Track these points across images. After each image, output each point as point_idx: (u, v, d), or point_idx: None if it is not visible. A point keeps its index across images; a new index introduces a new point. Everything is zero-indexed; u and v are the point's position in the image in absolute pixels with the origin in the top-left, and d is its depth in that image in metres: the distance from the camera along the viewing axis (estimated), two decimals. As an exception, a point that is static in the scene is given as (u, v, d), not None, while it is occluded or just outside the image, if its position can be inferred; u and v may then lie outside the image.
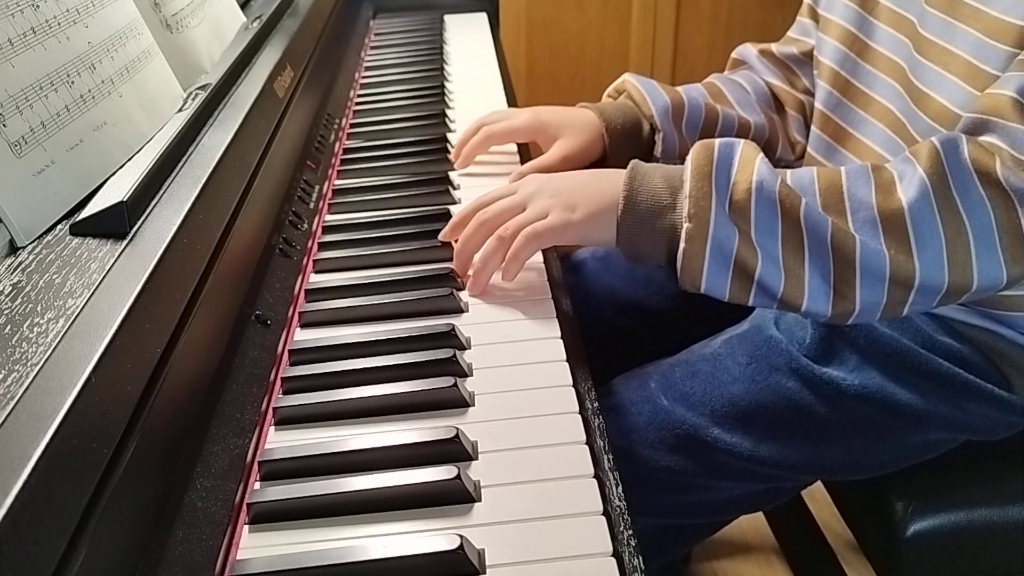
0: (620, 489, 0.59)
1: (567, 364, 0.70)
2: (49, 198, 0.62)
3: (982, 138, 0.73)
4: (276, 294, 0.76)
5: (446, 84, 1.29)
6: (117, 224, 0.61)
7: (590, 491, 0.57)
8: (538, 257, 0.83)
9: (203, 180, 0.69)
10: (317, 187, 0.97)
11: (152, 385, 0.53)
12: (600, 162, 1.00)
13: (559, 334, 0.73)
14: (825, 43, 0.97)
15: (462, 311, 0.77)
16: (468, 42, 1.52)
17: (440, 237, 0.85)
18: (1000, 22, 0.75)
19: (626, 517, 0.56)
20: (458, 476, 0.57)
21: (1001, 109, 0.72)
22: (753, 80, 1.08)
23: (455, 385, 0.66)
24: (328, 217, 0.95)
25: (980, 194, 0.71)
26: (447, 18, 1.64)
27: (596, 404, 0.67)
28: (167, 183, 0.68)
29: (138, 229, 0.62)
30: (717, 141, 0.76)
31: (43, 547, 0.40)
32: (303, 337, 0.75)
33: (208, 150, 0.74)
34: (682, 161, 0.77)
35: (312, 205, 0.94)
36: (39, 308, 0.52)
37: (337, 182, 1.02)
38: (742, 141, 0.77)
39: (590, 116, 0.99)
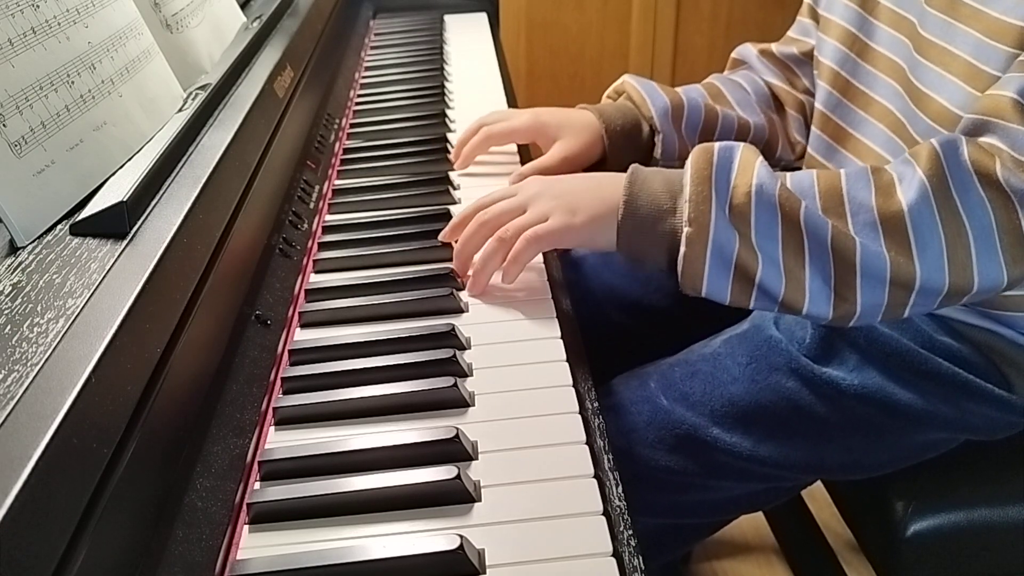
0: (620, 489, 0.59)
1: (567, 364, 0.70)
2: (49, 198, 0.62)
3: (982, 139, 0.73)
4: (276, 294, 0.76)
5: (446, 84, 1.29)
6: (117, 224, 0.61)
7: (590, 491, 0.57)
8: (538, 257, 0.83)
9: (203, 180, 0.69)
10: (317, 187, 0.97)
11: (152, 385, 0.53)
12: (600, 163, 1.00)
13: (559, 334, 0.73)
14: (825, 43, 0.97)
15: (462, 311, 0.77)
16: (468, 42, 1.52)
17: (440, 238, 0.85)
18: (1000, 23, 0.75)
19: (626, 517, 0.56)
20: (458, 476, 0.57)
21: (1001, 110, 0.72)
22: (753, 80, 1.08)
23: (455, 385, 0.66)
24: (328, 217, 0.95)
25: (980, 195, 0.71)
26: (447, 18, 1.64)
27: (596, 404, 0.67)
28: (167, 183, 0.68)
29: (138, 229, 0.62)
30: (716, 145, 0.76)
31: (43, 547, 0.40)
32: (303, 337, 0.75)
33: (208, 150, 0.74)
34: (682, 162, 0.77)
35: (312, 205, 0.94)
36: (39, 308, 0.52)
37: (337, 182, 1.02)
38: (741, 145, 0.77)
39: (590, 117, 0.99)
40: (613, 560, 0.52)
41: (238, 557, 0.54)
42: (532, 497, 0.57)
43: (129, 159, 0.70)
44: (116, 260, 0.57)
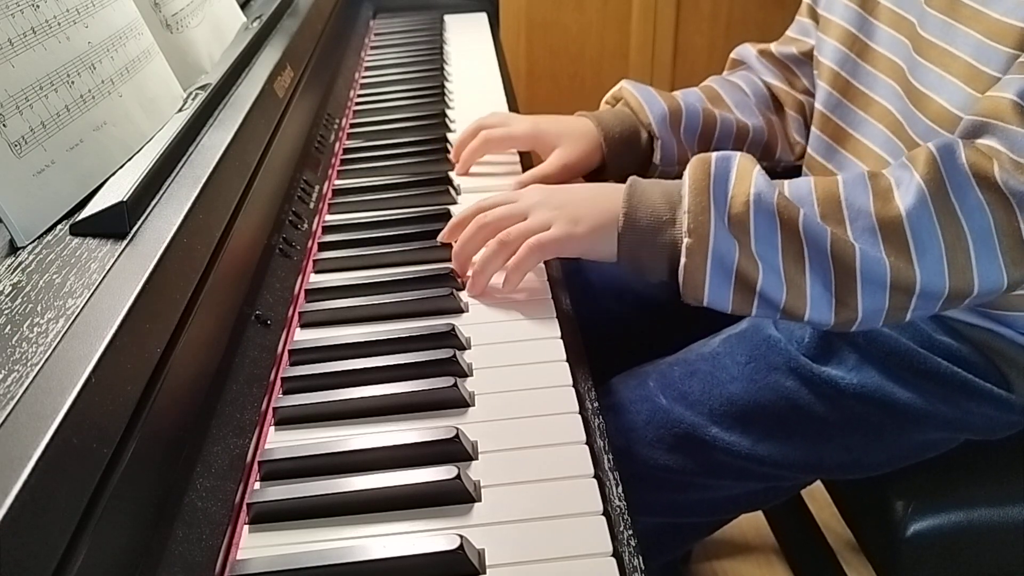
0: (620, 489, 0.59)
1: (567, 364, 0.70)
2: (49, 198, 0.62)
3: (981, 141, 0.73)
4: (276, 294, 0.76)
5: (446, 84, 1.29)
6: (117, 224, 0.61)
7: (590, 491, 0.57)
8: (537, 259, 0.83)
9: (203, 180, 0.69)
10: (317, 187, 0.97)
11: (152, 385, 0.53)
12: (599, 170, 1.00)
13: (559, 334, 0.73)
14: (825, 43, 0.97)
15: (462, 311, 0.78)
16: (468, 42, 1.52)
17: (439, 238, 0.85)
18: (1001, 24, 0.75)
19: (626, 517, 0.56)
20: (458, 476, 0.57)
21: (1001, 112, 0.72)
22: (752, 81, 1.08)
23: (455, 385, 0.66)
24: (328, 217, 0.95)
25: (978, 198, 0.71)
26: (447, 18, 1.64)
27: (596, 404, 0.67)
28: (167, 183, 0.68)
29: (138, 229, 0.62)
30: (714, 155, 0.76)
31: (43, 547, 0.40)
32: (303, 337, 0.75)
33: (208, 150, 0.74)
34: (681, 168, 0.77)
35: (312, 205, 0.94)
36: (39, 308, 0.52)
37: (337, 182, 1.02)
38: (738, 154, 0.77)
39: (588, 125, 0.99)
40: (613, 560, 0.52)
41: (238, 557, 0.54)
42: (532, 497, 0.57)
43: (129, 159, 0.70)
44: (116, 260, 0.57)
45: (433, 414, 0.65)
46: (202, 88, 0.83)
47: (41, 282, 0.55)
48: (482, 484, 0.59)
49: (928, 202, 0.71)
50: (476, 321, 0.76)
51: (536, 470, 0.59)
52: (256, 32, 1.01)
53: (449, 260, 0.82)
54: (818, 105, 0.98)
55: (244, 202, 0.75)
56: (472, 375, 0.69)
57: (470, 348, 0.73)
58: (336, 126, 1.14)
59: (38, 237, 0.60)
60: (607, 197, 0.78)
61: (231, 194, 0.74)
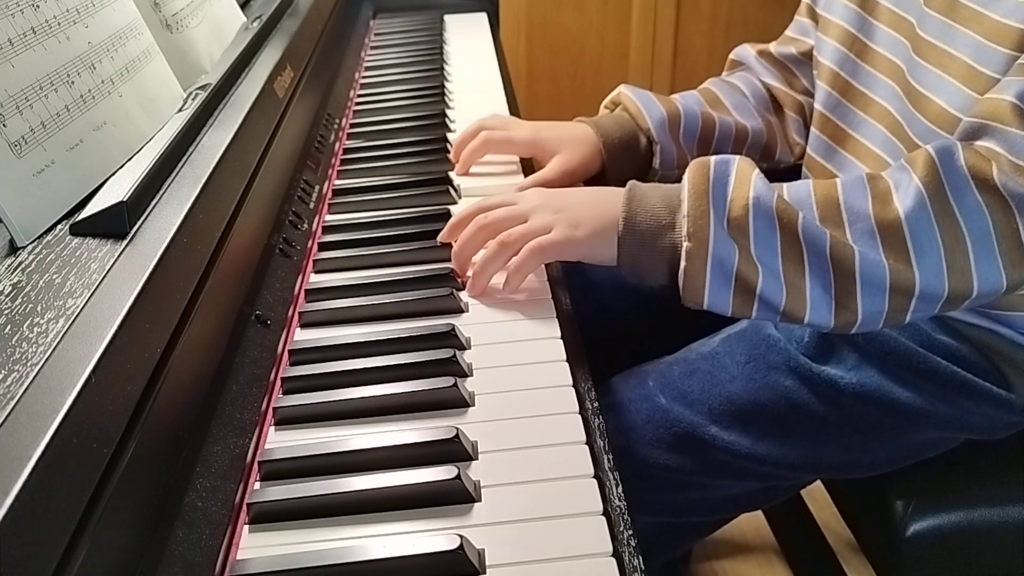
0: (620, 489, 0.59)
1: (567, 364, 0.70)
2: (49, 198, 0.62)
3: (980, 143, 0.73)
4: (276, 294, 0.76)
5: (446, 84, 1.29)
6: (117, 224, 0.61)
7: (590, 491, 0.57)
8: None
9: (203, 180, 0.69)
10: (317, 187, 0.97)
11: (152, 385, 0.53)
12: (599, 176, 1.00)
13: (559, 334, 0.73)
14: (825, 44, 0.97)
15: (462, 311, 0.78)
16: (468, 42, 1.52)
17: (439, 238, 0.85)
18: (1000, 25, 0.75)
19: (626, 517, 0.56)
20: (458, 476, 0.57)
21: (1000, 114, 0.72)
22: (751, 83, 1.08)
23: (455, 385, 0.66)
24: (328, 217, 0.95)
25: (977, 200, 0.71)
26: (447, 18, 1.64)
27: (596, 404, 0.67)
28: (167, 183, 0.68)
29: (138, 229, 0.62)
30: (713, 159, 0.77)
31: (43, 547, 0.40)
32: (303, 337, 0.75)
33: (208, 150, 0.74)
34: (681, 172, 0.77)
35: (312, 205, 0.94)
36: (39, 308, 0.52)
37: (337, 182, 1.02)
38: (737, 157, 0.77)
39: (587, 131, 0.99)
40: (613, 560, 0.53)
41: (238, 557, 0.54)
42: (532, 497, 0.57)
43: (129, 159, 0.70)
44: (116, 260, 0.57)
45: (433, 414, 0.65)
46: (202, 88, 0.83)
47: (41, 282, 0.55)
48: (482, 484, 0.59)
49: (927, 204, 0.71)
50: (476, 321, 0.76)
51: (536, 470, 0.59)
52: (256, 32, 1.01)
53: (449, 260, 0.82)
54: (817, 105, 0.98)
55: (244, 202, 0.75)
56: (472, 375, 0.69)
57: (470, 348, 0.73)
58: (336, 126, 1.14)
59: (38, 237, 0.60)
60: (607, 201, 0.78)
61: (231, 194, 0.74)
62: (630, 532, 0.55)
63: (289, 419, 0.65)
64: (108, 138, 0.69)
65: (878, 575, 0.95)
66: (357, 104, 1.24)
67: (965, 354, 0.84)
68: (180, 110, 0.79)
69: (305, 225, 0.89)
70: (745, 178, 0.75)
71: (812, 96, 1.01)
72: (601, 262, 0.78)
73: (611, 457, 0.61)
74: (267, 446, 0.63)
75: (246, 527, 0.57)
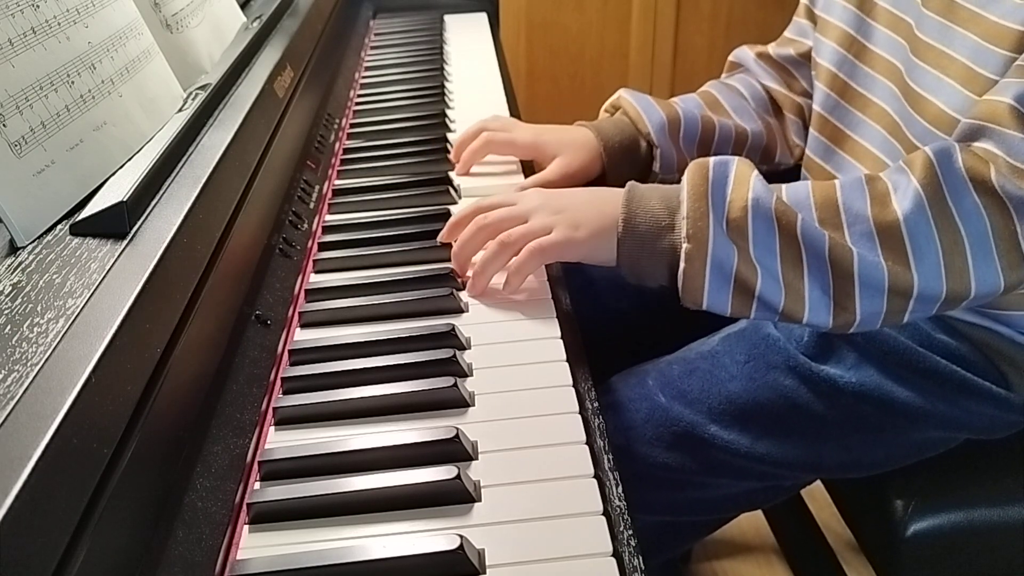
0: (620, 489, 0.59)
1: (567, 364, 0.70)
2: (49, 198, 0.62)
3: (978, 144, 0.73)
4: (276, 294, 0.76)
5: (446, 84, 1.29)
6: (117, 224, 0.61)
7: (590, 491, 0.57)
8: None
9: (203, 180, 0.69)
10: (317, 187, 0.97)
11: (152, 385, 0.53)
12: (599, 179, 1.00)
13: (559, 334, 0.73)
14: (823, 45, 0.97)
15: (462, 311, 0.78)
16: (468, 42, 1.52)
17: (439, 238, 0.85)
18: (999, 26, 0.75)
19: (626, 517, 0.56)
20: (458, 476, 0.57)
21: (998, 116, 0.72)
22: (750, 85, 1.08)
23: (455, 385, 0.66)
24: (328, 217, 0.95)
25: (975, 202, 0.71)
26: (447, 18, 1.64)
27: (596, 404, 0.67)
28: (167, 183, 0.68)
29: (138, 229, 0.62)
30: (712, 160, 0.77)
31: (43, 547, 0.40)
32: (303, 337, 0.75)
33: (208, 150, 0.74)
34: (681, 175, 0.77)
35: (312, 205, 0.94)
36: (39, 308, 0.52)
37: (337, 182, 1.02)
38: (736, 159, 0.77)
39: (588, 135, 0.99)
40: (613, 560, 0.53)
41: (238, 557, 0.54)
42: (532, 497, 0.57)
43: (129, 159, 0.70)
44: (116, 260, 0.57)
45: (433, 414, 0.65)
46: (202, 88, 0.83)
47: (41, 282, 0.55)
48: (482, 484, 0.59)
49: (925, 206, 0.71)
50: (476, 321, 0.76)
51: (536, 470, 0.59)
52: (256, 32, 1.01)
53: (449, 260, 0.82)
54: (816, 106, 0.98)
55: (244, 202, 0.75)
56: (472, 375, 0.69)
57: (470, 348, 0.73)
58: (336, 126, 1.14)
59: (38, 237, 0.60)
60: (606, 202, 0.78)
61: (231, 194, 0.74)
62: (630, 532, 0.55)
63: (289, 419, 0.65)
64: (108, 138, 0.69)
65: (878, 575, 0.95)
66: (357, 104, 1.25)
67: (965, 353, 0.84)
68: (180, 110, 0.79)
69: (305, 225, 0.89)
70: (744, 179, 0.75)
71: (811, 98, 1.01)
72: (601, 263, 0.79)
73: (611, 457, 0.61)
74: (267, 446, 0.63)
75: (246, 527, 0.57)
